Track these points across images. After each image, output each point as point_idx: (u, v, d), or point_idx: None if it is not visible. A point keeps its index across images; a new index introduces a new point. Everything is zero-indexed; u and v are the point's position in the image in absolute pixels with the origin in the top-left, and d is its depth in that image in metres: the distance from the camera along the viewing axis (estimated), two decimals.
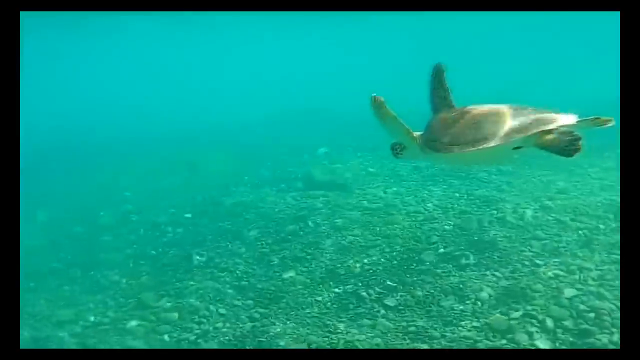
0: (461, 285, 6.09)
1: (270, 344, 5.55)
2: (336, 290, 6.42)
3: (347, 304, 6.11)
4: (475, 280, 6.16)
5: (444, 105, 3.38)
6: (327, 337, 5.53)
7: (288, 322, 5.91)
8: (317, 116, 19.02)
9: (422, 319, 5.64)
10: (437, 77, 3.41)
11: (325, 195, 9.54)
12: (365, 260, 6.94)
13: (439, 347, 5.14)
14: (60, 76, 39.22)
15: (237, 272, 7.19)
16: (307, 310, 6.10)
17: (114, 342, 6.07)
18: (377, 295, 6.15)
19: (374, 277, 6.54)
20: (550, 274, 6.06)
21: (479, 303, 5.74)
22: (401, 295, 6.08)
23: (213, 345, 5.70)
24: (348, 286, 6.45)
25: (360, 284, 6.44)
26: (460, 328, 5.38)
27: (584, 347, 4.81)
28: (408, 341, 5.31)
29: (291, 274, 6.93)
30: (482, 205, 8.32)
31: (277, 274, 6.98)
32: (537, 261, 6.39)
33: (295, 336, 5.64)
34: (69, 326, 6.58)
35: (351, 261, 6.97)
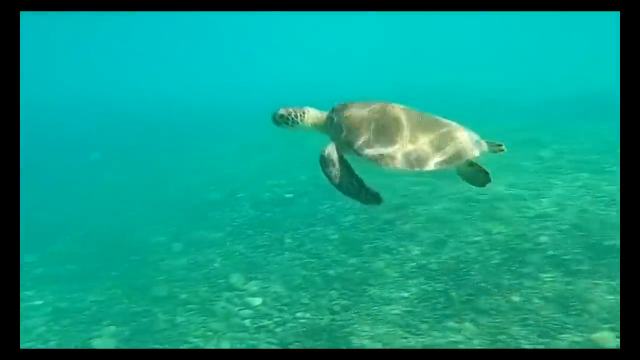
0: (567, 294, 5.34)
1: (345, 341, 5.24)
2: (425, 287, 5.94)
3: (434, 304, 5.61)
4: (586, 289, 5.38)
5: None
6: (406, 338, 5.11)
7: (368, 318, 5.55)
8: (444, 96, 18.17)
9: (514, 326, 5.01)
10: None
11: (431, 183, 8.98)
12: (461, 258, 6.36)
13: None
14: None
15: (327, 259, 6.94)
16: (391, 307, 5.69)
17: (199, 323, 6.09)
18: (468, 297, 5.58)
19: (467, 276, 5.96)
20: None
21: (586, 315, 4.99)
22: (495, 299, 5.46)
23: (289, 336, 5.50)
24: (438, 284, 5.94)
25: (452, 283, 5.90)
26: (557, 341, 4.70)
27: None
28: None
29: (380, 265, 6.54)
30: (610, 203, 7.32)
31: (366, 264, 6.63)
32: None
33: (372, 334, 5.27)
34: (163, 302, 6.70)
35: (445, 257, 6.44)
